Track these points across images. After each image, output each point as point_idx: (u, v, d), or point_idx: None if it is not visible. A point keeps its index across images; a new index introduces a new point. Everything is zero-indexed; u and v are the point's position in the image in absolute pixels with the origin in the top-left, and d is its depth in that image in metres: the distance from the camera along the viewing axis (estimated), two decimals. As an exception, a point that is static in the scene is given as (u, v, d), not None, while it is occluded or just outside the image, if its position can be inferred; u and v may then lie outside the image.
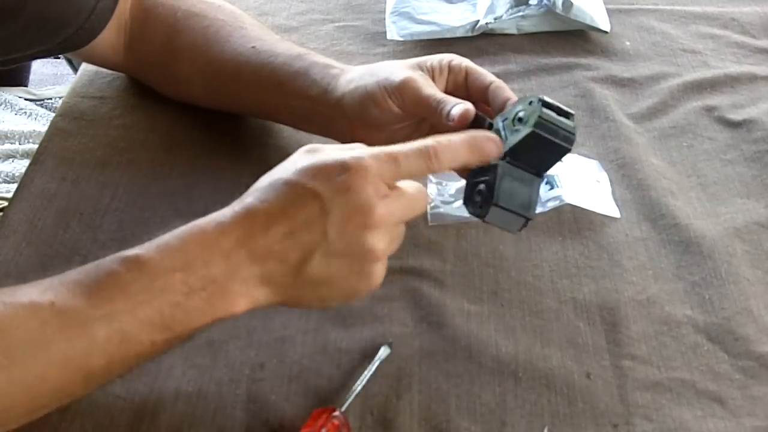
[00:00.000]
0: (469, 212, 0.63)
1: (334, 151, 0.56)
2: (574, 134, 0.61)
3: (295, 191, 0.55)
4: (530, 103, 0.61)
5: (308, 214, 0.54)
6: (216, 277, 0.53)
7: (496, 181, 0.60)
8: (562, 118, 0.61)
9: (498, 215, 0.61)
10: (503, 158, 0.61)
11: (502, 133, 0.62)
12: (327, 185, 0.54)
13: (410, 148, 0.57)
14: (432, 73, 0.68)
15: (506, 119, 0.63)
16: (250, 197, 0.56)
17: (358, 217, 0.54)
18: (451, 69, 0.69)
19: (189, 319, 0.53)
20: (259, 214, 0.54)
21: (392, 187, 0.56)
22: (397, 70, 0.68)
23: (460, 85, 0.69)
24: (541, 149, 0.61)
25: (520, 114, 0.62)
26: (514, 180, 0.61)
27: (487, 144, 0.60)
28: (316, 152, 0.56)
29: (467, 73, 0.69)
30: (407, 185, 0.58)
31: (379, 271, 0.56)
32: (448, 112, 0.64)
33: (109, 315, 0.52)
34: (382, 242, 0.55)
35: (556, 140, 0.61)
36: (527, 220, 0.62)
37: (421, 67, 0.69)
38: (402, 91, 0.67)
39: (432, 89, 0.66)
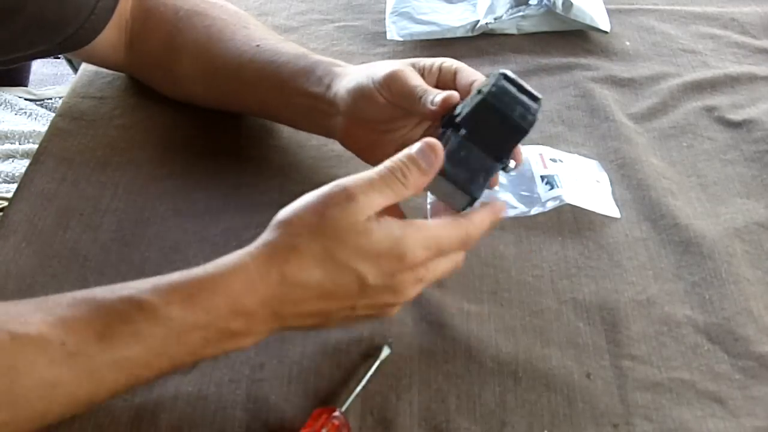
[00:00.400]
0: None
1: (384, 223, 0.54)
2: (534, 115, 0.59)
3: (343, 271, 0.54)
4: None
5: (346, 291, 0.54)
6: (235, 332, 0.54)
7: (444, 150, 0.58)
8: (522, 96, 0.59)
9: (441, 186, 0.59)
10: (457, 129, 0.60)
11: (462, 108, 0.61)
12: (375, 272, 0.54)
13: (454, 236, 0.57)
14: (422, 71, 0.69)
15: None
16: (287, 263, 0.53)
17: (389, 298, 0.56)
18: (441, 69, 0.69)
19: (198, 360, 0.55)
20: (296, 285, 0.53)
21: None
22: (389, 64, 0.69)
23: (449, 86, 0.68)
24: (494, 124, 0.59)
25: (483, 88, 0.60)
26: (466, 155, 0.59)
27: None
28: (358, 212, 0.54)
29: (456, 73, 0.68)
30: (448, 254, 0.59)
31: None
32: (432, 99, 0.64)
33: (120, 361, 0.51)
34: (396, 310, 0.59)
35: (511, 115, 0.58)
36: (473, 199, 0.60)
37: (413, 65, 0.69)
38: (389, 81, 0.67)
39: (418, 81, 0.66)
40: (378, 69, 0.68)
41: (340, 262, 0.53)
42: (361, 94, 0.69)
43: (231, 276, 0.53)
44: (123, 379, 0.52)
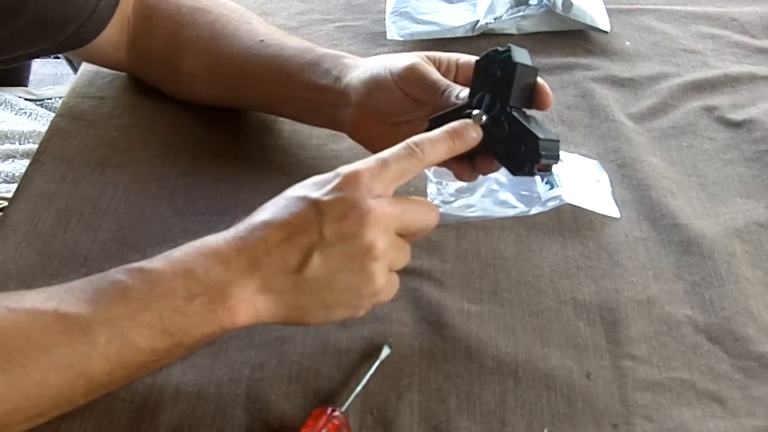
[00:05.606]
0: (524, 173, 0.62)
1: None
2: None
3: (291, 201, 0.56)
4: (489, 68, 0.63)
5: (304, 217, 0.55)
6: (216, 283, 0.54)
7: (527, 125, 0.61)
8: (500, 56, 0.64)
9: (546, 146, 0.62)
10: (508, 109, 0.62)
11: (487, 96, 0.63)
12: (321, 191, 0.56)
13: (395, 148, 0.58)
14: (438, 65, 0.69)
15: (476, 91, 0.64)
16: (251, 215, 0.57)
17: (352, 215, 0.55)
18: (459, 65, 0.69)
19: (189, 324, 0.54)
20: (258, 224, 0.56)
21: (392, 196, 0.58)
22: (406, 57, 0.69)
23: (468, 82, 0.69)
24: (513, 82, 0.63)
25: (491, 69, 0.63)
26: (523, 116, 0.63)
27: (466, 130, 0.61)
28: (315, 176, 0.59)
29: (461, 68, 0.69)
30: (413, 197, 0.60)
31: (379, 271, 0.56)
32: (457, 95, 0.64)
33: (110, 320, 0.52)
34: (380, 241, 0.56)
35: (530, 64, 0.63)
36: (557, 140, 0.63)
37: (428, 58, 0.69)
38: (409, 74, 0.67)
39: (438, 74, 0.67)
40: (395, 61, 0.69)
41: (289, 195, 0.57)
42: (376, 85, 0.69)
43: (208, 238, 0.57)
44: (116, 343, 0.52)
